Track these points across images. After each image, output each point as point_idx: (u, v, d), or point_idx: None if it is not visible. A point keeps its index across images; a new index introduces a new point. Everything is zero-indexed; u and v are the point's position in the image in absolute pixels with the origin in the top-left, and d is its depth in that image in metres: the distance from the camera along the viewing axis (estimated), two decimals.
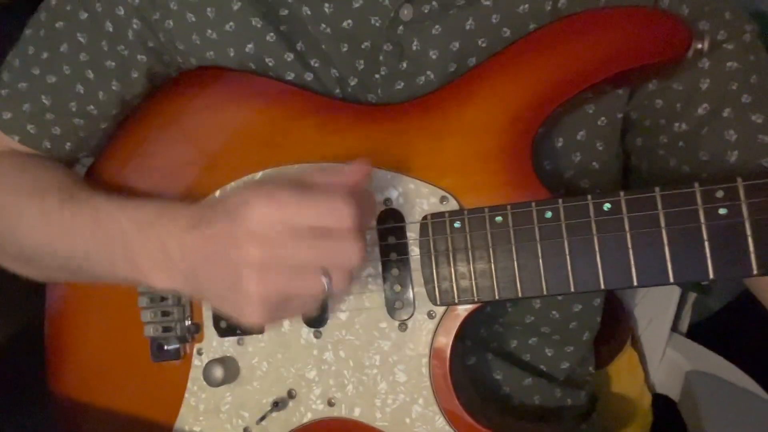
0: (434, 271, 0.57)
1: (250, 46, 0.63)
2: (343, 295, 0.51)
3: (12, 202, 0.64)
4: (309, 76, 0.63)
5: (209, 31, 0.64)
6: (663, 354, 0.89)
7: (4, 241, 0.66)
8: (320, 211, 0.48)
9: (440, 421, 0.58)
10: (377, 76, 0.62)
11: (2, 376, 0.88)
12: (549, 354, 0.70)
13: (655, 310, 0.89)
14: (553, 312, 0.68)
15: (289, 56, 0.63)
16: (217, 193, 0.63)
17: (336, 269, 0.49)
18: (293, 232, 0.48)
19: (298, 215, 0.48)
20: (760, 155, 0.57)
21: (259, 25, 0.63)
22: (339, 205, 0.48)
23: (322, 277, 0.49)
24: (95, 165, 0.71)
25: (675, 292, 0.88)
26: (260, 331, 0.62)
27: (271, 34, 0.63)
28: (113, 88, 0.67)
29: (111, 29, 0.65)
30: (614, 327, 0.85)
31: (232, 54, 0.64)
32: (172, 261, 0.54)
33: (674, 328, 0.91)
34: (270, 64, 0.64)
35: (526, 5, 0.59)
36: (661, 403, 0.88)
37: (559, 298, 0.67)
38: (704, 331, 1.13)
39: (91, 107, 0.67)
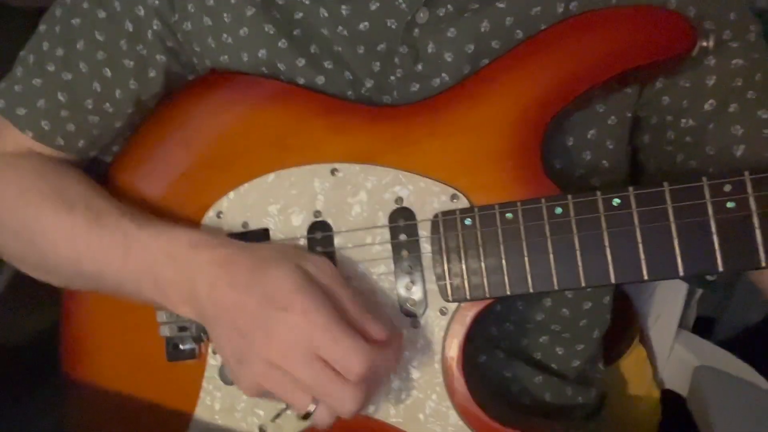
0: (446, 268, 0.58)
1: (262, 51, 0.64)
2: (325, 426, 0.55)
3: (35, 215, 0.64)
4: (320, 80, 0.64)
5: (224, 35, 0.65)
6: (671, 350, 0.89)
7: (26, 252, 0.67)
8: (339, 353, 0.51)
9: (454, 417, 0.58)
10: (393, 78, 0.63)
11: (21, 372, 0.88)
12: (560, 352, 0.71)
13: (663, 306, 0.90)
14: (564, 310, 0.68)
15: (301, 61, 0.64)
16: (231, 194, 0.64)
17: (325, 406, 0.53)
18: (311, 355, 0.52)
19: (320, 343, 0.51)
20: (766, 149, 0.58)
21: (271, 32, 0.64)
22: (356, 358, 0.51)
23: (312, 404, 0.53)
24: (111, 166, 0.72)
25: (682, 288, 0.88)
26: None
27: (283, 40, 0.64)
28: (131, 87, 0.67)
29: (131, 29, 0.66)
30: (623, 324, 0.86)
31: (245, 59, 0.65)
32: (198, 300, 0.56)
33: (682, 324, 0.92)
34: (281, 68, 0.65)
35: (539, 7, 0.60)
36: (670, 399, 0.88)
37: (569, 295, 0.68)
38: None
39: (107, 105, 0.68)
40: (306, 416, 0.54)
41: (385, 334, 0.54)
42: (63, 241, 0.63)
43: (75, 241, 0.62)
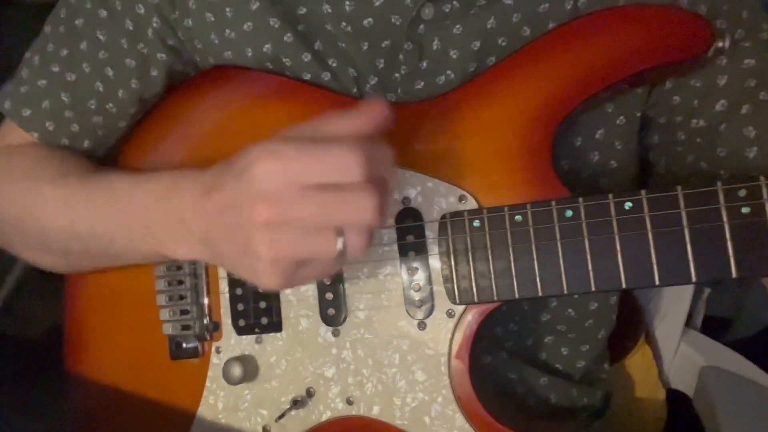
0: (453, 270, 0.57)
1: (267, 46, 0.63)
2: (362, 254, 0.48)
3: (34, 187, 0.64)
4: (326, 76, 0.63)
5: (227, 30, 0.64)
6: (677, 349, 0.89)
7: (25, 229, 0.66)
8: (328, 165, 0.45)
9: (460, 420, 0.58)
10: (397, 75, 0.62)
11: (31, 366, 0.88)
12: (565, 353, 0.70)
13: (669, 305, 0.89)
14: (570, 310, 0.68)
15: (307, 56, 0.63)
16: None
17: (350, 227, 0.46)
18: (301, 189, 0.45)
19: (305, 171, 0.45)
20: None
21: (276, 26, 0.63)
22: (348, 156, 0.45)
23: (337, 237, 0.46)
24: (112, 162, 0.71)
25: (689, 287, 0.88)
26: (278, 329, 0.63)
27: (289, 34, 0.63)
28: (133, 86, 0.67)
29: (131, 27, 0.65)
30: (629, 323, 0.85)
31: (249, 54, 0.64)
32: (190, 229, 0.54)
33: (688, 323, 0.91)
34: (287, 64, 0.63)
35: (546, 4, 0.59)
36: (676, 399, 0.88)
37: (576, 296, 0.67)
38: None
39: (111, 105, 0.67)
40: (341, 255, 0.47)
41: (360, 119, 0.48)
42: (58, 206, 0.63)
43: (68, 203, 0.62)
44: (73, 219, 0.62)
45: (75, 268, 0.70)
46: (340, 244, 0.46)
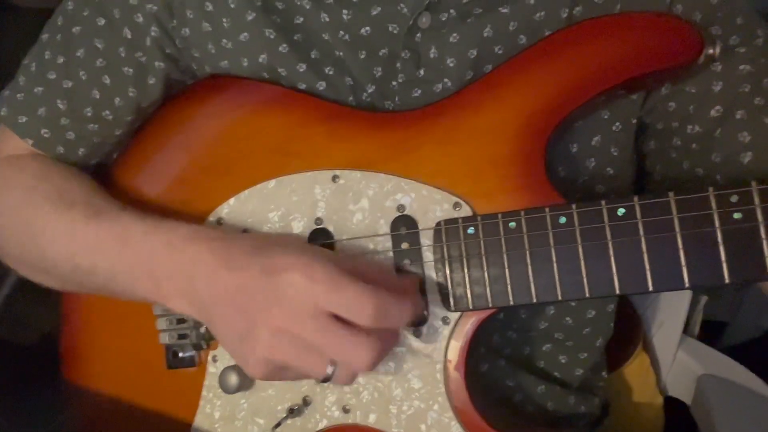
0: (448, 277, 0.57)
1: (263, 56, 0.64)
2: (345, 385, 0.54)
3: (36, 213, 0.64)
4: (321, 86, 0.63)
5: (224, 40, 0.64)
6: (674, 357, 0.89)
7: (24, 251, 0.66)
8: (346, 300, 0.49)
9: (456, 428, 0.58)
10: (395, 83, 0.62)
11: (28, 373, 0.88)
12: (563, 361, 0.70)
13: (667, 313, 0.89)
14: (567, 318, 0.68)
15: (302, 66, 0.63)
16: (232, 200, 0.64)
17: (343, 365, 0.51)
18: (317, 313, 0.50)
19: (327, 298, 0.49)
20: None
21: (272, 36, 0.63)
22: (364, 300, 0.49)
23: (329, 366, 0.51)
24: (110, 171, 0.72)
25: (686, 295, 0.88)
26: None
27: (284, 45, 0.63)
28: (130, 94, 0.67)
29: (129, 36, 0.65)
30: (626, 331, 0.85)
31: (245, 64, 0.64)
32: (195, 291, 0.55)
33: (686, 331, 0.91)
34: (282, 74, 0.64)
35: (543, 12, 0.59)
36: (674, 406, 0.87)
37: (573, 303, 0.67)
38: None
39: (107, 113, 0.68)
40: (325, 380, 0.52)
41: (395, 280, 0.53)
42: (61, 237, 0.62)
43: (73, 236, 0.61)
44: (75, 252, 0.61)
45: (70, 291, 0.71)
46: (329, 371, 0.51)
